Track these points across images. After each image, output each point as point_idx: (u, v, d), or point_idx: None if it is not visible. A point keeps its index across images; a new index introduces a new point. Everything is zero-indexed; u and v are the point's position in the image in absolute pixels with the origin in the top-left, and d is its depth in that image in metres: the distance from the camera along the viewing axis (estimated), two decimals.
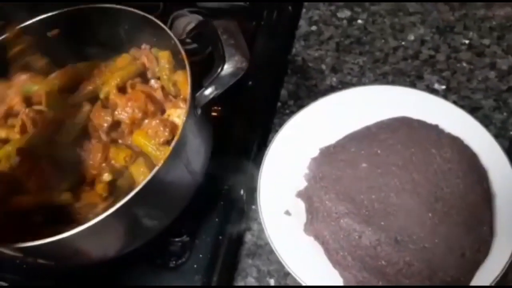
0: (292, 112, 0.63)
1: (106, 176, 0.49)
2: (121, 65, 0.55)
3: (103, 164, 0.50)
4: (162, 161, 0.43)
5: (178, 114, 0.50)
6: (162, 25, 0.51)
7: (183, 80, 0.51)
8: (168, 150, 0.44)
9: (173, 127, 0.49)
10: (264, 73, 0.67)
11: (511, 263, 0.48)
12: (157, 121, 0.49)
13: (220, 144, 0.57)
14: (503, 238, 0.50)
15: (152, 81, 0.54)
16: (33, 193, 0.49)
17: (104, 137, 0.52)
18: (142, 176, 0.48)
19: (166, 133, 0.48)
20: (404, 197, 0.49)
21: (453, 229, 0.47)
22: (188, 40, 0.62)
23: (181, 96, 0.52)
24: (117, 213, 0.41)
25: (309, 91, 0.68)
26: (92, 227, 0.40)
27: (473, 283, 0.48)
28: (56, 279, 0.54)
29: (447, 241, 0.46)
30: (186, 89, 0.48)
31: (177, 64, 0.53)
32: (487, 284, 0.47)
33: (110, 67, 0.56)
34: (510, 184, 0.53)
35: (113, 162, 0.51)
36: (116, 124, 0.52)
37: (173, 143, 0.45)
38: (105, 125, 0.51)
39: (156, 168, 0.43)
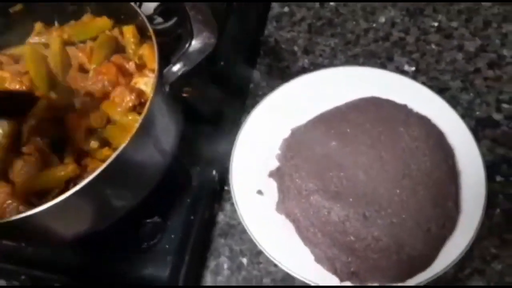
0: (265, 94, 0.63)
1: (93, 144, 0.48)
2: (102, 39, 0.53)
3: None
4: (128, 138, 0.42)
5: (145, 82, 0.49)
6: (132, 3, 0.50)
7: (149, 53, 0.51)
8: (135, 116, 0.44)
9: (139, 93, 0.48)
10: (236, 54, 0.67)
11: (475, 239, 0.50)
12: (123, 87, 0.48)
13: (192, 125, 0.57)
14: (468, 215, 0.51)
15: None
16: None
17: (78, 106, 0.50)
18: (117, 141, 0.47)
19: (133, 97, 0.47)
20: (372, 174, 0.49)
21: (419, 205, 0.48)
22: (158, 19, 0.61)
23: (148, 68, 0.51)
24: (82, 192, 0.40)
25: (282, 72, 0.68)
26: (57, 205, 0.39)
27: (439, 258, 0.49)
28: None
29: (414, 216, 0.47)
30: (153, 63, 0.47)
31: (145, 41, 0.53)
32: (453, 258, 0.49)
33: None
34: (475, 162, 0.54)
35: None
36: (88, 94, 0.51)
37: (140, 119, 0.44)
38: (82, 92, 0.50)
39: (123, 145, 0.42)
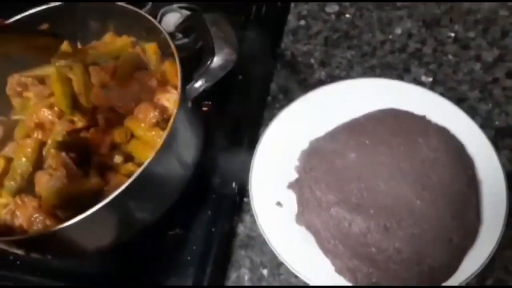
0: (282, 106, 0.64)
1: (117, 158, 0.49)
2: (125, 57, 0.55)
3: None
4: (153, 153, 0.44)
5: (167, 98, 0.50)
6: (152, 19, 0.52)
7: (171, 70, 0.52)
8: (158, 131, 0.45)
9: (162, 109, 0.50)
10: (253, 67, 0.67)
11: (497, 249, 0.50)
12: (147, 104, 0.49)
13: (212, 138, 0.58)
14: (489, 224, 0.51)
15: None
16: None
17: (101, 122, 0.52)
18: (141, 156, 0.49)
19: (156, 113, 0.49)
20: (392, 185, 0.50)
21: (440, 216, 0.48)
22: (178, 35, 0.63)
23: (170, 83, 0.52)
24: (109, 205, 0.42)
25: (299, 85, 0.69)
26: (86, 218, 0.41)
27: (461, 269, 0.49)
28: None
29: (435, 227, 0.47)
30: (175, 79, 0.48)
31: (167, 58, 0.54)
32: (475, 269, 0.49)
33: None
34: (495, 172, 0.54)
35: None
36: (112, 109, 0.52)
37: (164, 135, 0.45)
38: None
39: (148, 160, 0.44)
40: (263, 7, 0.73)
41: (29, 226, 0.46)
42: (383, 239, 0.47)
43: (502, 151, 0.58)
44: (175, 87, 0.49)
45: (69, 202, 0.47)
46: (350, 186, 0.50)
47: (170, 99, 0.50)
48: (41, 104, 0.52)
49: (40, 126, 0.52)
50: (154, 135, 0.49)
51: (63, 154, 0.49)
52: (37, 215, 0.46)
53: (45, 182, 0.48)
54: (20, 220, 0.46)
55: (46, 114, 0.51)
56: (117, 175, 0.50)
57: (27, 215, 0.46)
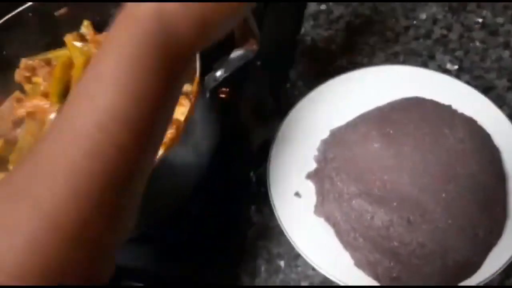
0: (301, 93, 0.62)
1: None
2: None
3: None
4: (171, 143, 0.43)
5: (182, 112, 0.49)
6: None
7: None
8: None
9: (178, 125, 0.48)
10: (272, 53, 0.66)
11: None
12: None
13: (229, 127, 0.57)
14: None
15: None
16: None
17: None
18: None
19: (173, 130, 0.47)
20: (416, 177, 0.48)
21: (466, 210, 0.46)
22: None
23: (183, 94, 0.51)
24: None
25: (319, 71, 0.67)
26: None
27: (485, 264, 0.48)
28: None
29: (460, 221, 0.46)
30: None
31: None
32: (500, 265, 0.47)
33: None
34: None
35: None
36: None
37: (182, 125, 0.44)
38: None
39: (165, 151, 0.43)
40: None
41: None
42: (406, 233, 0.46)
43: None
44: (188, 98, 0.48)
45: None
46: (372, 178, 0.49)
47: (184, 113, 0.48)
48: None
49: (31, 115, 0.51)
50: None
51: None
52: None
53: None
54: None
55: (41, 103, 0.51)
56: None
57: None
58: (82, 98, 0.28)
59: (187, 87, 0.50)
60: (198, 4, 0.30)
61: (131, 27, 0.29)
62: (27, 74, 0.54)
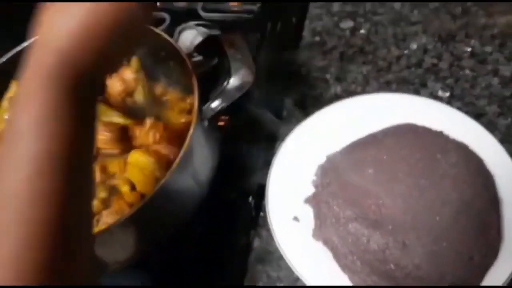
0: (298, 121, 0.64)
1: (125, 188, 0.50)
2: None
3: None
4: (169, 173, 0.44)
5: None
6: (172, 40, 0.53)
7: None
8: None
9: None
10: (269, 83, 0.68)
11: None
12: None
13: (228, 153, 0.58)
14: (510, 243, 0.50)
15: None
16: None
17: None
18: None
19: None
20: (411, 201, 0.49)
21: (461, 233, 0.47)
22: (194, 54, 0.64)
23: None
24: (124, 224, 0.42)
25: (315, 100, 0.69)
26: (99, 237, 0.41)
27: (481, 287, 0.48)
28: None
29: (455, 244, 0.47)
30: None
31: (183, 77, 0.55)
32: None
33: None
34: None
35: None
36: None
37: (180, 154, 0.46)
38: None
39: (164, 179, 0.44)
40: (278, 24, 0.74)
41: None
42: (402, 256, 0.47)
43: None
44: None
45: None
46: (368, 202, 0.50)
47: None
48: None
49: None
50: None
51: None
52: None
53: None
54: None
55: None
56: (119, 201, 0.50)
57: None
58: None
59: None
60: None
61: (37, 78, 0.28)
62: None
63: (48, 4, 0.29)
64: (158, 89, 0.58)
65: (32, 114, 0.27)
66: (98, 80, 0.31)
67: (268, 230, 0.56)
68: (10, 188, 0.26)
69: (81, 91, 0.28)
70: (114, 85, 0.54)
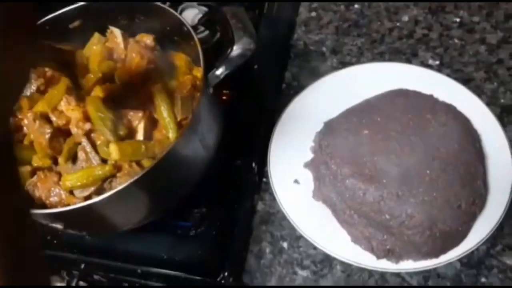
0: (297, 92, 0.67)
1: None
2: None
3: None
4: (179, 135, 0.47)
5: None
6: (177, 14, 0.56)
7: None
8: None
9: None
10: (268, 57, 0.71)
11: (505, 216, 0.53)
12: None
13: (232, 124, 0.61)
14: (496, 194, 0.54)
15: None
16: None
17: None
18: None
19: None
20: (403, 157, 0.53)
21: (449, 184, 0.51)
22: (200, 28, 0.67)
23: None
24: (136, 184, 0.45)
25: (312, 72, 0.73)
26: (114, 196, 0.44)
27: (471, 235, 0.52)
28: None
29: (444, 194, 0.51)
30: None
31: (189, 50, 0.58)
32: (484, 235, 0.52)
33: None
34: (501, 147, 0.57)
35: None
36: None
37: (189, 118, 0.49)
38: None
39: (174, 142, 0.47)
40: (275, 3, 0.76)
41: (47, 197, 0.51)
42: (395, 206, 0.50)
43: (508, 126, 0.61)
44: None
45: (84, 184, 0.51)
46: (363, 160, 0.54)
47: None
48: None
49: None
50: None
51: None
52: (55, 188, 0.51)
53: (64, 164, 0.52)
54: (40, 191, 0.51)
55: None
56: (130, 163, 0.52)
57: (47, 188, 0.51)
58: None
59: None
60: None
61: None
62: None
63: None
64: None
65: None
66: None
67: (271, 194, 0.60)
68: None
69: None
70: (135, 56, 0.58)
